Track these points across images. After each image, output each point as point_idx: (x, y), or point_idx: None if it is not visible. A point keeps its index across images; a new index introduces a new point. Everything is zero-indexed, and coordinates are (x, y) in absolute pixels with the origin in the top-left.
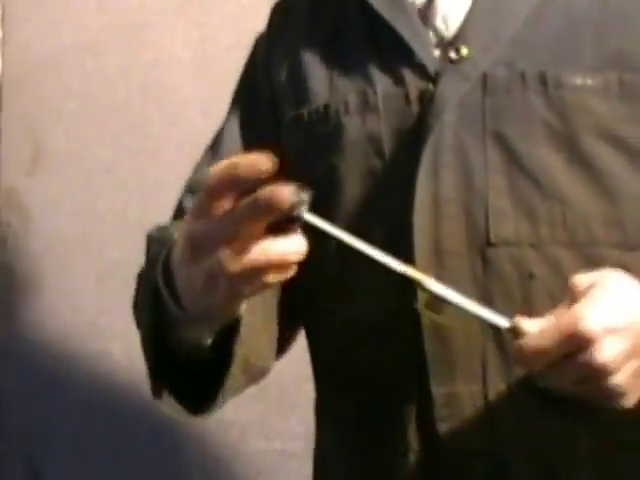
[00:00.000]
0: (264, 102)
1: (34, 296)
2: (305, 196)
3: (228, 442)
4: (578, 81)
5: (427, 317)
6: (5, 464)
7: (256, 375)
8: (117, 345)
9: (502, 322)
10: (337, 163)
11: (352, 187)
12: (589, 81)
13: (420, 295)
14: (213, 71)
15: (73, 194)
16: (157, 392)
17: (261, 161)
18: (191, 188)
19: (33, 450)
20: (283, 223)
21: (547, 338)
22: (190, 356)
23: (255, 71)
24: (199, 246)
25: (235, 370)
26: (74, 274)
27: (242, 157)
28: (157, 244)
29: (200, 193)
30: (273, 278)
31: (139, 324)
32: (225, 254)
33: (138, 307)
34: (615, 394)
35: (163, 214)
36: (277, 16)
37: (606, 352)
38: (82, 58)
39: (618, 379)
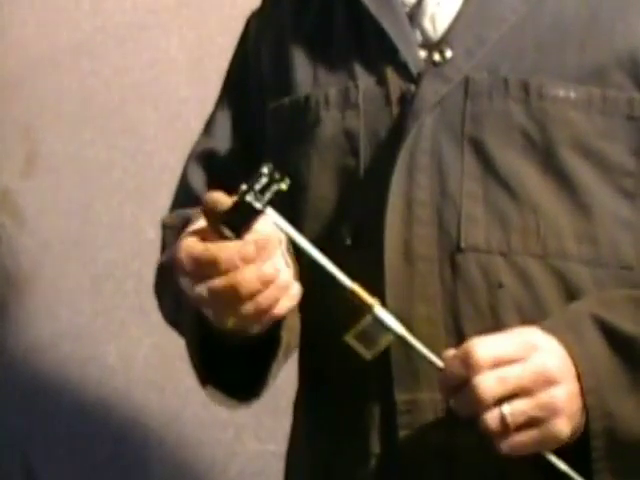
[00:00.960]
0: (254, 84)
1: (29, 297)
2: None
3: (223, 443)
4: (561, 93)
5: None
6: (1, 464)
7: (289, 357)
8: (112, 346)
9: (438, 362)
10: (311, 157)
11: (323, 183)
12: (572, 94)
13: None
14: (208, 72)
15: (68, 195)
16: (204, 383)
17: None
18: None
19: (29, 450)
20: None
21: (502, 344)
22: (229, 343)
23: (246, 52)
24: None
25: (281, 355)
26: (69, 275)
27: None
28: (171, 233)
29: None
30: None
31: (170, 321)
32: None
33: (166, 307)
34: (553, 408)
35: (159, 215)
36: None
37: (551, 361)
38: (78, 59)
39: (560, 391)
